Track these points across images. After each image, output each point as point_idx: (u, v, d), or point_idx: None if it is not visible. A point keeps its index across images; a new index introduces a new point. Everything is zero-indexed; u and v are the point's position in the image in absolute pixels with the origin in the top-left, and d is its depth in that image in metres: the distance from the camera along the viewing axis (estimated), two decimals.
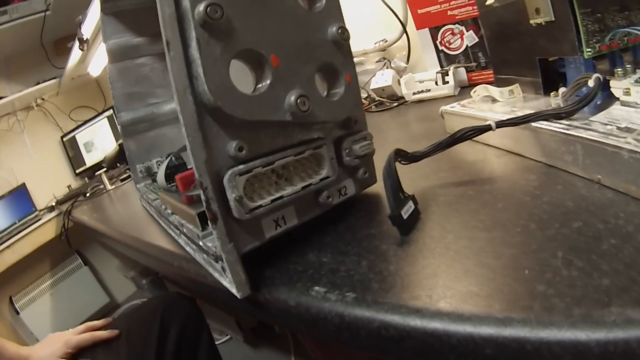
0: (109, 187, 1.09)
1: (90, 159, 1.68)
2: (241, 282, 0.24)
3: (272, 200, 0.25)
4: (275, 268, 0.26)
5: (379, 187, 0.33)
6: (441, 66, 0.75)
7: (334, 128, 0.29)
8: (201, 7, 0.22)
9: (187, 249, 0.35)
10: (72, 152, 1.73)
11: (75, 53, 1.20)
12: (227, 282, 0.25)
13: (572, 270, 0.18)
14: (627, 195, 0.22)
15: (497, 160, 0.33)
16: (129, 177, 1.13)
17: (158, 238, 0.43)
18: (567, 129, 0.26)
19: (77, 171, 1.73)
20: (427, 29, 0.72)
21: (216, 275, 0.27)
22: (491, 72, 0.67)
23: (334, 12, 0.28)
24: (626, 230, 0.19)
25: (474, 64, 0.69)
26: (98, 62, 1.34)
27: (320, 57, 0.27)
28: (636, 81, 0.26)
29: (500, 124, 0.30)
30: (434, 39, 0.72)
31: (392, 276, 0.21)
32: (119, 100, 0.62)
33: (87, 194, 1.13)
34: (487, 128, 0.30)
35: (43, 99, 1.70)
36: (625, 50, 0.33)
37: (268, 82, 0.24)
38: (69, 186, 1.64)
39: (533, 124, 0.29)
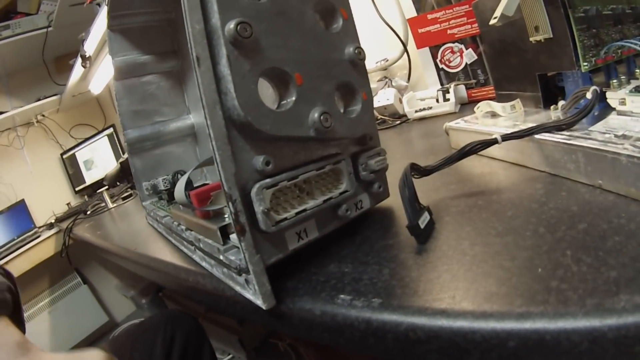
0: (110, 205, 1.11)
1: (90, 177, 1.72)
2: (267, 293, 0.25)
3: (297, 213, 0.27)
4: (296, 279, 0.28)
5: (390, 201, 0.35)
6: (441, 84, 0.79)
7: (350, 144, 0.32)
8: (232, 25, 0.23)
9: (204, 264, 0.36)
10: (72, 169, 1.77)
11: (77, 70, 1.24)
12: (251, 294, 0.27)
13: (582, 266, 0.20)
14: (627, 197, 0.24)
15: (503, 172, 0.35)
16: (130, 195, 1.16)
17: (169, 255, 0.45)
18: (569, 139, 0.29)
19: (77, 189, 1.76)
20: (427, 48, 0.77)
21: (237, 288, 0.29)
22: (490, 88, 0.70)
23: (351, 33, 0.31)
24: (629, 228, 0.22)
25: (473, 81, 0.73)
26: (99, 80, 1.38)
27: (339, 75, 0.30)
28: (630, 91, 0.29)
29: (506, 137, 0.32)
30: (434, 57, 0.77)
31: (415, 282, 0.23)
32: (125, 118, 0.64)
33: (88, 212, 1.15)
34: (494, 141, 0.33)
35: (43, 116, 1.76)
36: (620, 62, 0.36)
37: (293, 98, 0.26)
38: (68, 204, 1.68)
39: (536, 136, 0.32)
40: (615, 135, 0.26)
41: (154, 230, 0.60)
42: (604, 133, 0.28)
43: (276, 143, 0.27)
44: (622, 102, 0.30)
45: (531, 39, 0.37)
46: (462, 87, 0.74)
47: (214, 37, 0.24)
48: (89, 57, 1.08)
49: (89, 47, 1.05)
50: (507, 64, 0.44)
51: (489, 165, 0.38)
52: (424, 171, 0.33)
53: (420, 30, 0.76)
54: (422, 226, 0.27)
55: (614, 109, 0.31)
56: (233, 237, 0.31)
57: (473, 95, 0.74)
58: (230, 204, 0.24)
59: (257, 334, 1.13)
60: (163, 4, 0.64)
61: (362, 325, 0.22)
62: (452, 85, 0.72)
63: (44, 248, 1.37)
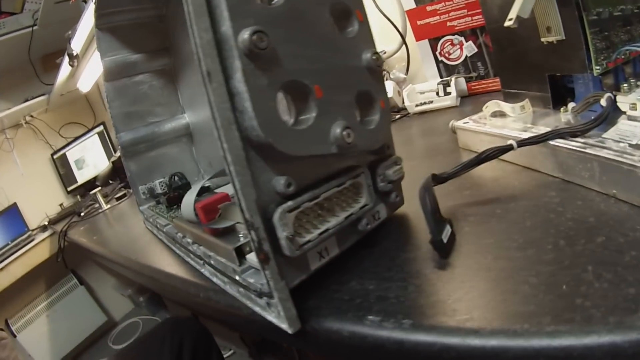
0: (104, 206, 1.11)
1: (81, 177, 1.72)
2: (292, 318, 0.25)
3: (319, 234, 0.26)
4: (318, 297, 0.28)
5: (403, 207, 0.36)
6: (441, 76, 0.79)
7: (367, 154, 0.32)
8: (246, 35, 0.21)
9: (215, 280, 0.36)
10: (63, 169, 1.77)
11: (65, 69, 1.22)
12: (274, 317, 0.26)
13: (603, 283, 0.21)
14: None
15: (516, 177, 0.36)
16: (124, 195, 1.15)
17: (174, 266, 0.44)
18: (584, 148, 0.30)
19: (69, 189, 1.76)
20: (426, 40, 0.77)
21: (257, 309, 0.28)
22: (491, 81, 0.71)
23: (367, 37, 0.29)
24: None
25: (474, 74, 0.73)
26: (88, 78, 1.37)
27: (357, 84, 0.28)
28: None
29: (521, 144, 0.33)
30: (434, 49, 0.77)
31: (443, 300, 0.24)
32: (117, 120, 0.64)
33: (82, 214, 1.15)
34: (509, 148, 0.33)
35: (32, 116, 1.75)
36: (626, 63, 0.37)
37: (314, 114, 0.25)
38: (61, 204, 1.69)
39: (550, 142, 0.33)
40: (630, 145, 0.27)
41: (154, 236, 0.60)
42: (618, 142, 0.29)
43: (295, 161, 0.26)
44: (633, 107, 0.31)
45: (542, 39, 0.38)
46: (462, 80, 0.75)
47: (225, 48, 0.22)
48: (77, 55, 1.06)
49: (76, 45, 1.03)
50: (515, 63, 0.44)
51: (501, 168, 0.39)
52: (440, 179, 0.34)
53: (419, 22, 0.76)
54: (444, 240, 0.28)
55: (624, 112, 0.32)
56: (250, 257, 0.30)
57: (473, 88, 0.75)
58: (252, 232, 0.23)
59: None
60: (153, 0, 0.63)
61: (393, 346, 0.23)
62: (453, 78, 0.73)
63: (39, 251, 1.38)
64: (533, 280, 0.23)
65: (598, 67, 0.34)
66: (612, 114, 0.33)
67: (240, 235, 0.33)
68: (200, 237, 0.37)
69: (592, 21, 0.33)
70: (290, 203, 0.25)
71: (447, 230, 0.29)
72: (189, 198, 0.37)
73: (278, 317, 0.25)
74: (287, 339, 0.28)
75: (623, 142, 0.28)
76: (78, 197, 1.71)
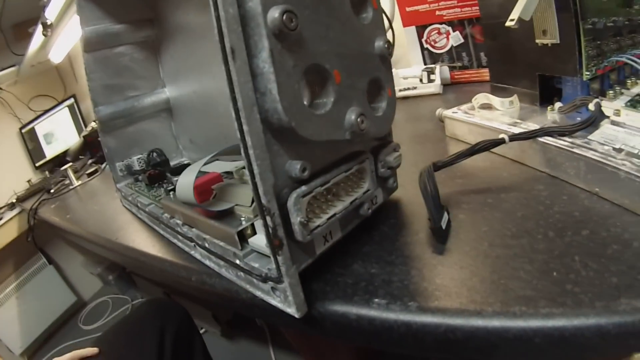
0: (75, 182, 1.06)
1: (50, 151, 1.64)
2: (301, 302, 0.25)
3: (327, 219, 0.27)
4: (322, 281, 0.28)
5: (396, 193, 0.37)
6: (425, 64, 0.81)
7: (371, 140, 0.32)
8: (276, 14, 0.21)
9: (208, 263, 0.35)
10: (32, 144, 1.67)
11: (37, 38, 1.14)
12: (278, 302, 0.26)
13: (589, 271, 0.24)
14: (621, 207, 0.28)
15: (505, 169, 0.39)
16: (96, 171, 1.10)
17: (160, 249, 0.43)
18: (572, 147, 0.32)
19: (37, 164, 1.66)
20: (414, 27, 0.77)
21: (258, 293, 0.28)
22: (474, 71, 0.74)
23: (380, 24, 0.30)
24: (624, 237, 0.26)
25: (458, 63, 0.75)
26: (60, 49, 1.29)
27: (371, 71, 0.29)
28: (626, 104, 0.33)
29: (513, 138, 0.35)
30: (420, 36, 0.78)
31: (446, 284, 0.25)
32: (96, 93, 0.61)
33: (52, 190, 1.09)
34: (501, 141, 0.35)
35: (1, 88, 1.60)
36: (612, 70, 0.40)
37: (332, 99, 0.25)
38: (29, 181, 1.58)
39: (539, 139, 0.35)
40: (614, 149, 0.30)
41: (133, 216, 0.58)
42: (603, 144, 0.31)
43: (309, 145, 0.26)
44: (617, 113, 0.34)
45: (537, 40, 0.40)
46: (446, 69, 0.77)
47: (251, 25, 0.21)
48: (51, 24, 0.98)
49: (51, 13, 0.96)
50: (507, 59, 0.46)
51: (490, 159, 0.41)
52: (435, 167, 0.35)
53: (407, 9, 0.77)
54: (443, 227, 0.29)
55: (607, 117, 0.35)
56: (253, 241, 0.30)
57: (456, 77, 0.77)
58: (268, 218, 0.23)
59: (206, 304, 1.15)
60: None
61: (401, 328, 0.24)
62: (438, 66, 0.75)
63: (7, 231, 1.29)
64: (527, 267, 0.25)
65: (588, 73, 0.36)
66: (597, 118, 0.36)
67: (242, 219, 0.32)
68: (194, 218, 0.36)
69: (588, 30, 0.35)
70: (304, 188, 0.25)
71: (445, 217, 0.30)
72: (188, 179, 0.35)
73: (284, 301, 0.26)
74: (291, 323, 0.28)
75: (607, 145, 0.31)
76: (47, 172, 1.63)
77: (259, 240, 0.29)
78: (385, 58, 0.31)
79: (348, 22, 0.27)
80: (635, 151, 0.29)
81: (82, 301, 1.74)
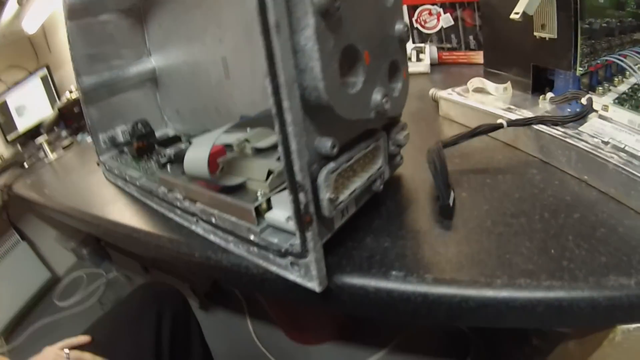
0: (51, 156, 0.99)
1: (22, 125, 1.53)
2: (323, 276, 0.26)
3: (349, 194, 0.28)
4: (337, 255, 0.29)
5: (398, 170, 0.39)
6: (413, 42, 0.82)
7: (384, 119, 0.34)
8: None
9: (212, 238, 0.35)
10: (3, 117, 1.55)
11: (11, 7, 1.03)
12: (297, 276, 0.27)
13: (582, 250, 0.27)
14: (607, 195, 0.32)
15: (500, 151, 0.41)
16: (72, 144, 1.04)
17: (154, 224, 0.43)
18: (565, 137, 0.35)
19: (9, 138, 1.55)
20: (405, 6, 0.78)
21: (273, 268, 0.29)
22: (461, 53, 0.76)
23: (400, 8, 0.30)
24: (610, 222, 0.29)
25: (447, 45, 0.77)
26: (34, 18, 1.19)
27: (392, 53, 0.30)
28: (614, 100, 0.36)
29: (511, 124, 0.38)
30: (411, 16, 0.78)
31: (457, 257, 0.28)
32: (79, 63, 0.58)
33: (26, 165, 1.01)
34: (500, 126, 0.38)
35: None
36: (600, 67, 0.43)
37: (362, 79, 0.26)
38: (0, 156, 1.46)
39: (534, 126, 0.38)
40: (603, 142, 0.33)
41: (118, 189, 0.56)
42: (593, 137, 0.34)
43: (335, 123, 0.26)
44: (605, 108, 0.37)
45: (535, 33, 0.42)
46: (434, 49, 0.78)
47: (294, 1, 0.21)
48: None
49: None
50: (503, 47, 0.48)
51: (485, 141, 0.43)
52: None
53: None
54: (451, 204, 0.32)
55: (596, 111, 0.38)
56: (270, 216, 0.30)
57: (444, 57, 0.79)
58: (302, 194, 0.23)
59: (207, 279, 1.16)
60: None
61: (418, 299, 0.26)
62: (428, 45, 0.76)
63: None
64: (527, 244, 0.28)
65: (581, 69, 0.39)
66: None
67: (259, 194, 0.32)
68: (200, 193, 0.36)
69: (584, 29, 0.38)
70: (332, 164, 0.26)
71: (452, 195, 0.33)
72: (202, 153, 0.33)
73: (304, 276, 0.26)
74: (306, 298, 0.29)
75: (597, 138, 0.34)
76: (18, 146, 1.51)
77: (277, 215, 0.29)
78: (403, 41, 0.32)
79: (376, 5, 0.28)
80: (622, 145, 0.32)
81: (56, 277, 1.66)
